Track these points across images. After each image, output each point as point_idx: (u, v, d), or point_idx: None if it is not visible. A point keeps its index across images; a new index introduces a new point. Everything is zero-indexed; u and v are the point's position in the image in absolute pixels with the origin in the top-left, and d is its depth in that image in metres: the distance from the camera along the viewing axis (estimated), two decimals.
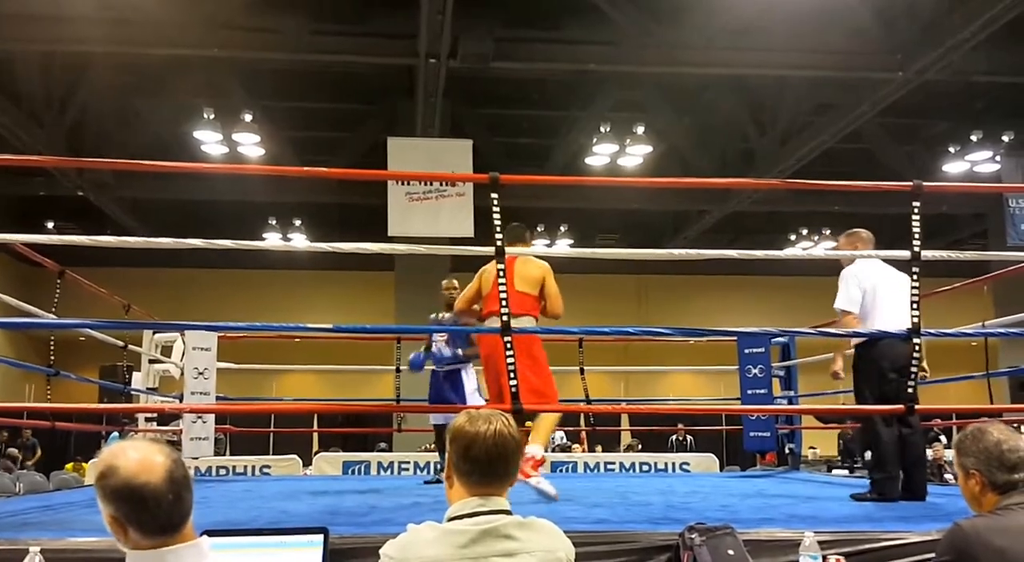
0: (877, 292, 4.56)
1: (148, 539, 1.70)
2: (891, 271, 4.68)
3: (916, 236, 3.90)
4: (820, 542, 2.86)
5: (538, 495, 4.35)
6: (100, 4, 9.92)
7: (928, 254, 3.93)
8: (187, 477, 1.75)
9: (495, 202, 3.85)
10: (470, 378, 6.35)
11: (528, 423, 5.07)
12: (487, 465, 2.04)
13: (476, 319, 5.03)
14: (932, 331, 3.98)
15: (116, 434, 11.61)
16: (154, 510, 1.68)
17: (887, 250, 4.51)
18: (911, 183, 4.02)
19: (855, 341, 4.58)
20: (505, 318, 3.97)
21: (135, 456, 1.72)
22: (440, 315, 6.46)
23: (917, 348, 3.89)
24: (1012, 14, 9.38)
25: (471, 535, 1.98)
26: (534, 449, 4.57)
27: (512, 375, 3.87)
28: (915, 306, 3.87)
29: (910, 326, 3.99)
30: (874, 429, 4.51)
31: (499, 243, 3.87)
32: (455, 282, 6.32)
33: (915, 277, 3.88)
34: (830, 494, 5.16)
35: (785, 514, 3.89)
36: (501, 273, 4.01)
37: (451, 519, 2.04)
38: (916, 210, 3.94)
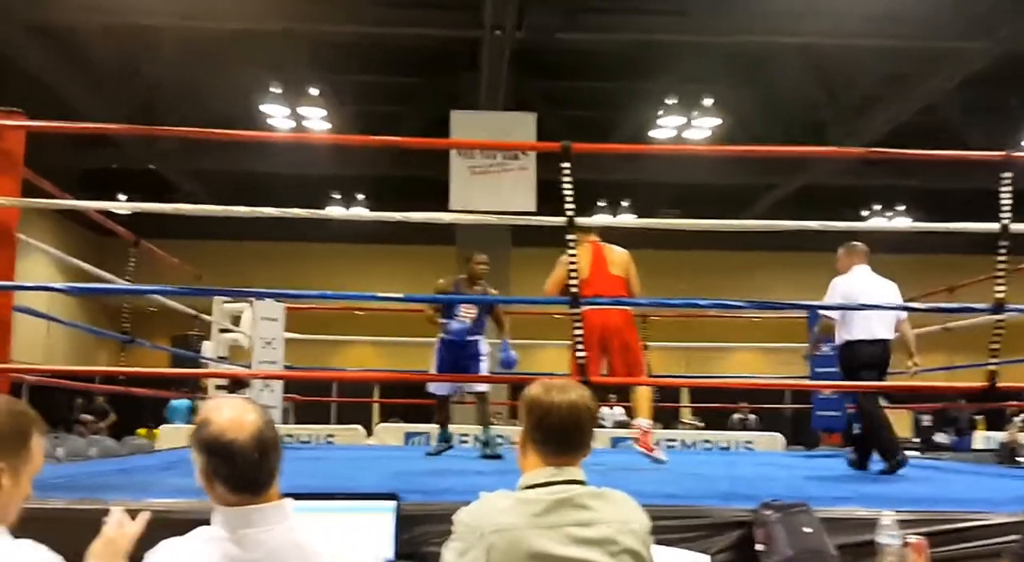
0: (859, 300, 5.10)
1: (233, 495, 1.73)
2: (876, 281, 5.32)
3: (1005, 209, 3.75)
4: (899, 522, 2.78)
5: (652, 462, 4.99)
6: None
7: (1017, 227, 3.78)
8: (276, 439, 1.77)
9: (566, 172, 3.79)
10: (485, 349, 6.26)
11: (611, 396, 5.67)
12: (563, 435, 2.03)
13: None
14: (1017, 307, 3.82)
15: (177, 402, 12.01)
16: (240, 466, 1.72)
17: (970, 223, 4.33)
18: (1002, 154, 3.86)
19: (837, 343, 5.27)
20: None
21: (229, 413, 1.75)
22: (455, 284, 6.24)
23: (999, 325, 3.76)
24: None
25: (545, 504, 1.96)
26: (644, 422, 5.18)
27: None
28: (1001, 281, 3.73)
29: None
30: (868, 410, 5.18)
31: (569, 214, 3.82)
32: (485, 257, 6.32)
33: (1003, 251, 3.74)
34: (904, 473, 5.03)
35: (860, 493, 3.80)
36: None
37: (525, 488, 2.03)
38: (1005, 182, 3.79)
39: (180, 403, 12.39)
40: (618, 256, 5.37)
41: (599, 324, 5.02)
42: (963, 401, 9.28)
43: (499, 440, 6.20)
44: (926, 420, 13.33)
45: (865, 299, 5.06)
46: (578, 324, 3.86)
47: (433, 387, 6.42)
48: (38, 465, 1.72)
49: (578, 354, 3.87)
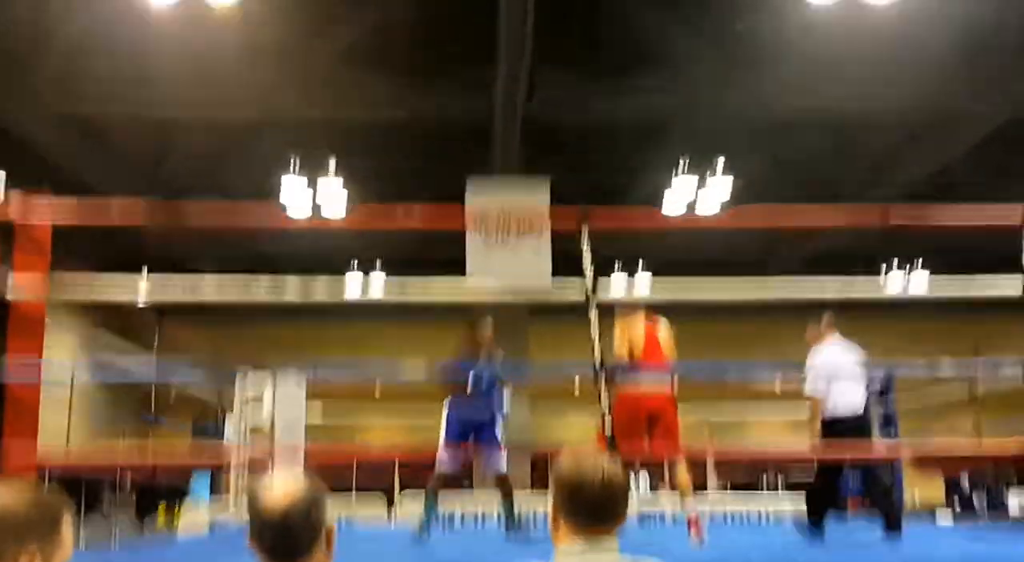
0: (835, 375, 5.55)
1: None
2: (846, 353, 5.70)
3: None
4: None
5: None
6: (190, 66, 10.35)
7: None
8: (307, 515, 1.75)
9: (586, 237, 3.80)
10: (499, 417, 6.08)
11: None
12: (596, 507, 1.99)
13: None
14: None
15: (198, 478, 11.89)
16: (264, 534, 1.73)
17: (991, 281, 4.30)
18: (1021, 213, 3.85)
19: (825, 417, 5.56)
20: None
21: (277, 479, 1.77)
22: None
23: None
24: None
25: None
26: (692, 508, 5.34)
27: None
28: None
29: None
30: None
31: (590, 281, 3.82)
32: (490, 322, 6.45)
33: None
34: (952, 544, 4.87)
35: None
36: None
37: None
38: None
39: (201, 480, 12.29)
40: (665, 335, 5.60)
41: (648, 404, 5.22)
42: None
43: (521, 512, 6.06)
44: (963, 484, 12.97)
45: (846, 373, 5.56)
46: (604, 393, 3.81)
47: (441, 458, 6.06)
48: (68, 553, 1.68)
49: (606, 423, 3.83)
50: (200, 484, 12.17)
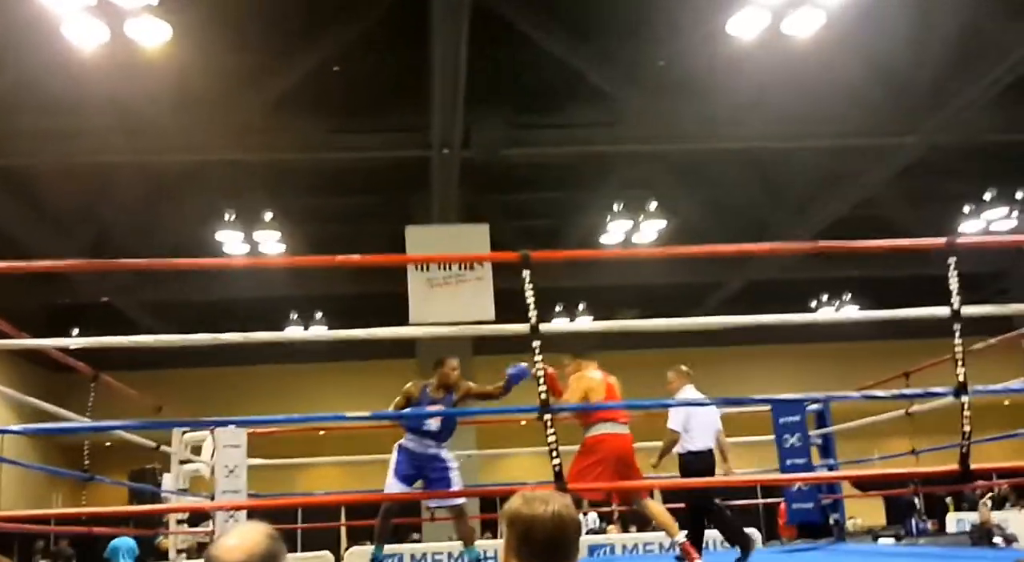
0: (693, 415, 6.09)
1: None
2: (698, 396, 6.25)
3: (955, 292, 3.88)
4: None
5: None
6: (119, 114, 10.24)
7: (969, 311, 3.90)
8: None
9: (528, 280, 3.87)
10: (451, 458, 5.95)
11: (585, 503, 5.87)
12: (549, 547, 2.00)
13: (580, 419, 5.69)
14: (980, 388, 3.91)
15: (119, 541, 11.52)
16: None
17: (919, 308, 4.47)
18: (945, 240, 4.02)
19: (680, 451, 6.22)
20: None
21: (234, 538, 1.77)
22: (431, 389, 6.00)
23: (966, 406, 3.84)
24: (1015, 75, 9.54)
25: None
26: (680, 537, 5.60)
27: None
28: (960, 363, 3.83)
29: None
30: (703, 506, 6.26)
31: (533, 321, 3.87)
32: (457, 362, 6.25)
33: (957, 334, 3.85)
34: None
35: None
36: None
37: None
38: (952, 265, 3.93)
39: (122, 542, 11.86)
40: (619, 386, 5.85)
41: (620, 448, 5.51)
42: (914, 486, 9.39)
43: (481, 556, 6.01)
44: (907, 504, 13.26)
45: (701, 416, 6.13)
46: (552, 431, 3.85)
47: (389, 490, 5.90)
48: None
49: (554, 461, 3.85)
50: (119, 546, 11.77)
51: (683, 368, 6.41)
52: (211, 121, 10.51)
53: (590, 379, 5.65)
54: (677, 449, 6.25)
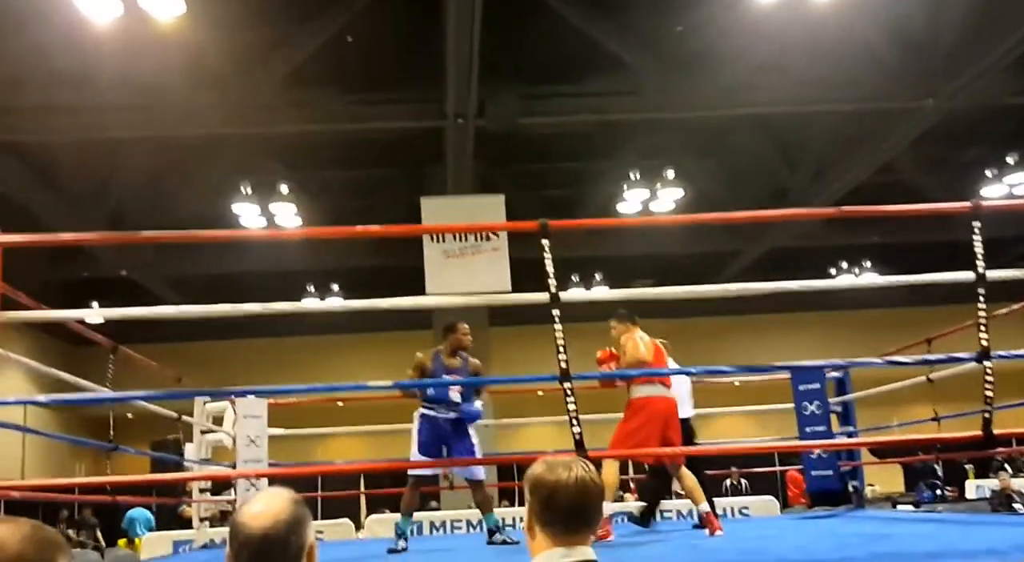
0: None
1: None
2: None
3: (979, 257, 3.83)
4: None
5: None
6: (132, 90, 10.23)
7: (993, 275, 3.86)
8: (285, 542, 1.71)
9: (546, 249, 3.84)
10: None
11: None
12: (571, 513, 1.98)
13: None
14: (1004, 353, 3.88)
15: (135, 512, 11.64)
16: (243, 557, 1.68)
17: (944, 273, 4.41)
18: (970, 204, 3.96)
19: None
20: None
21: (259, 503, 1.73)
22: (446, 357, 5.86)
23: (989, 372, 3.80)
24: None
25: None
26: (704, 507, 5.56)
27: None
28: (983, 329, 3.79)
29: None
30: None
31: (552, 289, 3.86)
32: (468, 327, 6.11)
33: (981, 299, 3.80)
34: (906, 530, 5.00)
35: (867, 552, 3.77)
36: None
37: None
38: (977, 230, 3.88)
39: (138, 513, 11.98)
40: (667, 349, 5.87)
41: (664, 410, 5.47)
42: (937, 452, 9.33)
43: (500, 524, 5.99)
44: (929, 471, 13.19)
45: (681, 386, 6.07)
46: (571, 399, 3.85)
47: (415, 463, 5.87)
48: None
49: (574, 428, 3.85)
50: (135, 517, 11.91)
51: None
52: (225, 95, 10.49)
53: (641, 340, 5.61)
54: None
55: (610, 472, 5.34)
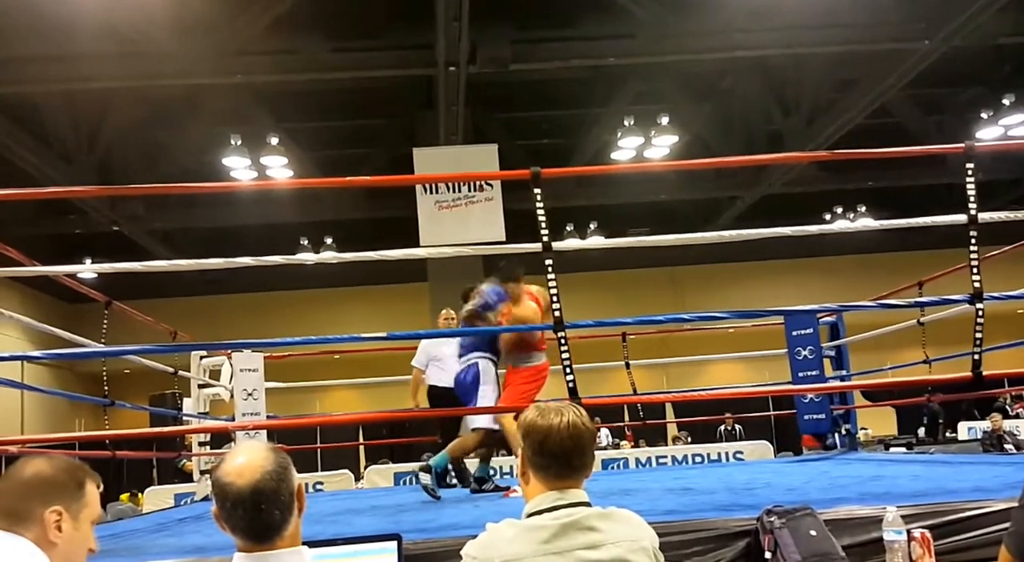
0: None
1: (241, 541, 1.72)
2: None
3: (972, 199, 3.81)
4: (902, 517, 2.79)
5: None
6: (116, 40, 10.06)
7: (986, 216, 3.84)
8: (276, 491, 1.73)
9: (539, 197, 3.82)
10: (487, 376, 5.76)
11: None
12: (564, 457, 2.00)
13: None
14: (995, 294, 3.88)
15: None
16: (235, 513, 1.71)
17: (936, 217, 4.40)
18: (963, 145, 3.93)
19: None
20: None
21: (240, 456, 1.76)
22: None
23: (980, 314, 3.81)
24: None
25: (553, 530, 1.94)
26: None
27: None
28: (975, 271, 3.79)
29: None
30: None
31: (545, 239, 3.84)
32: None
33: (973, 241, 3.79)
34: (896, 471, 5.06)
35: (858, 492, 3.82)
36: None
37: (530, 515, 2.01)
38: (970, 172, 3.85)
39: None
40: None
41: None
42: (928, 394, 9.42)
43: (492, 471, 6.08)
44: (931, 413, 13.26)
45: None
46: (565, 348, 3.86)
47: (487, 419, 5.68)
48: (96, 512, 1.85)
49: (568, 377, 3.87)
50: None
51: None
52: (210, 43, 10.31)
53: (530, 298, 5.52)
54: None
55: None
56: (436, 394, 6.79)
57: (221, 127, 12.71)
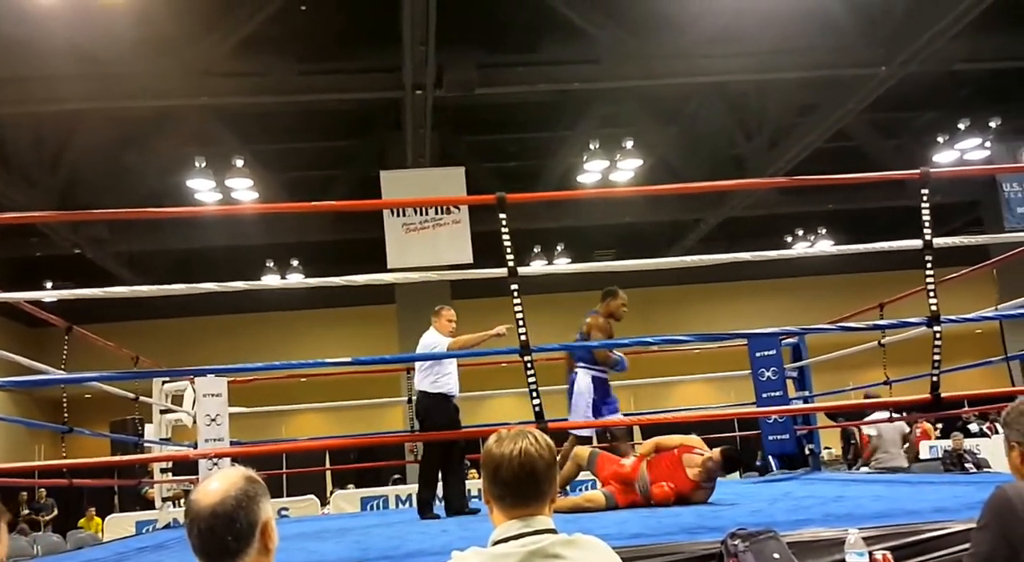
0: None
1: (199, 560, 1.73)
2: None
3: (927, 224, 3.89)
4: (864, 539, 2.83)
5: None
6: (81, 60, 9.98)
7: (941, 241, 3.92)
8: (232, 517, 1.71)
9: (504, 222, 3.84)
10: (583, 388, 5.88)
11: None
12: (515, 487, 1.97)
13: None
14: (952, 317, 3.96)
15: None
16: (193, 534, 1.71)
17: (893, 241, 4.49)
18: (919, 171, 4.01)
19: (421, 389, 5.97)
20: None
21: (216, 479, 1.76)
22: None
23: (938, 336, 3.88)
24: (986, 3, 9.48)
25: (518, 557, 1.92)
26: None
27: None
28: (932, 294, 3.86)
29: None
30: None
31: (510, 264, 3.86)
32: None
33: (929, 265, 3.87)
34: (858, 491, 5.12)
35: (821, 514, 3.85)
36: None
37: (496, 542, 1.99)
38: (925, 198, 3.93)
39: None
40: None
41: None
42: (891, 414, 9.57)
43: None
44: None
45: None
46: (531, 371, 3.86)
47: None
48: (2, 553, 1.75)
49: (534, 401, 3.88)
50: None
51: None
52: (176, 64, 10.27)
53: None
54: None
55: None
56: (428, 402, 6.17)
57: (187, 148, 12.62)
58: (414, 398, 6.41)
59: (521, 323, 3.95)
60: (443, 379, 6.06)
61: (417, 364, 5.98)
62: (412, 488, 9.64)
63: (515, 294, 3.93)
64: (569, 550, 1.96)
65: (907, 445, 9.13)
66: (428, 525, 5.42)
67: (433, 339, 6.04)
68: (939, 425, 14.38)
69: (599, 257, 17.62)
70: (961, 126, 13.27)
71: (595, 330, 5.91)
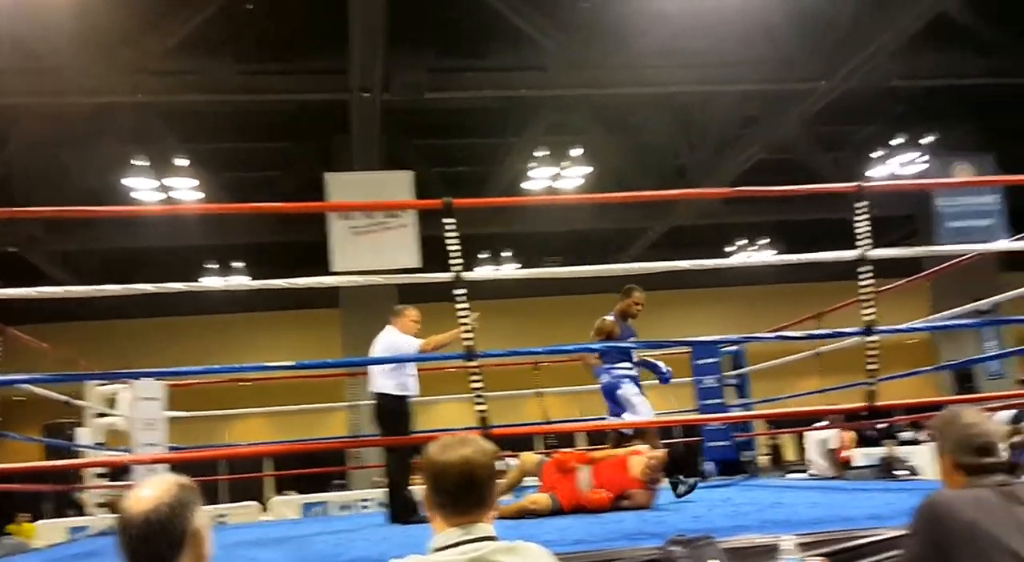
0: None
1: None
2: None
3: (861, 237, 3.98)
4: (799, 545, 2.88)
5: None
6: (19, 54, 9.73)
7: (875, 253, 4.02)
8: (164, 527, 1.68)
9: (450, 228, 3.83)
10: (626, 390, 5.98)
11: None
12: (455, 495, 1.97)
13: None
14: (886, 327, 4.06)
15: None
16: (125, 542, 1.67)
17: (829, 252, 4.59)
18: (855, 185, 4.11)
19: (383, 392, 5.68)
20: None
21: (147, 487, 1.71)
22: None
23: (873, 346, 3.98)
24: (923, 22, 9.78)
25: None
26: None
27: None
28: (868, 305, 3.95)
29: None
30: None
31: (457, 269, 3.86)
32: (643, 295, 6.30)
33: (863, 277, 3.96)
34: (795, 498, 5.22)
35: (758, 520, 3.92)
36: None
37: (436, 550, 1.99)
38: (860, 211, 4.03)
39: None
40: None
41: None
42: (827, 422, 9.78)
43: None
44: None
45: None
46: (476, 377, 3.86)
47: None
48: None
49: (478, 406, 3.88)
50: None
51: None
52: (116, 61, 10.07)
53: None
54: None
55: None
56: (392, 404, 5.88)
57: (126, 147, 12.37)
58: (370, 401, 6.09)
59: (467, 329, 3.95)
60: (410, 381, 5.86)
61: (375, 366, 5.81)
62: (355, 494, 9.60)
63: (462, 299, 3.93)
64: (509, 557, 1.97)
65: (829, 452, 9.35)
66: (368, 531, 5.38)
67: (395, 340, 5.84)
68: (872, 432, 14.73)
69: (547, 263, 17.69)
70: (898, 141, 13.64)
71: (595, 331, 5.98)
